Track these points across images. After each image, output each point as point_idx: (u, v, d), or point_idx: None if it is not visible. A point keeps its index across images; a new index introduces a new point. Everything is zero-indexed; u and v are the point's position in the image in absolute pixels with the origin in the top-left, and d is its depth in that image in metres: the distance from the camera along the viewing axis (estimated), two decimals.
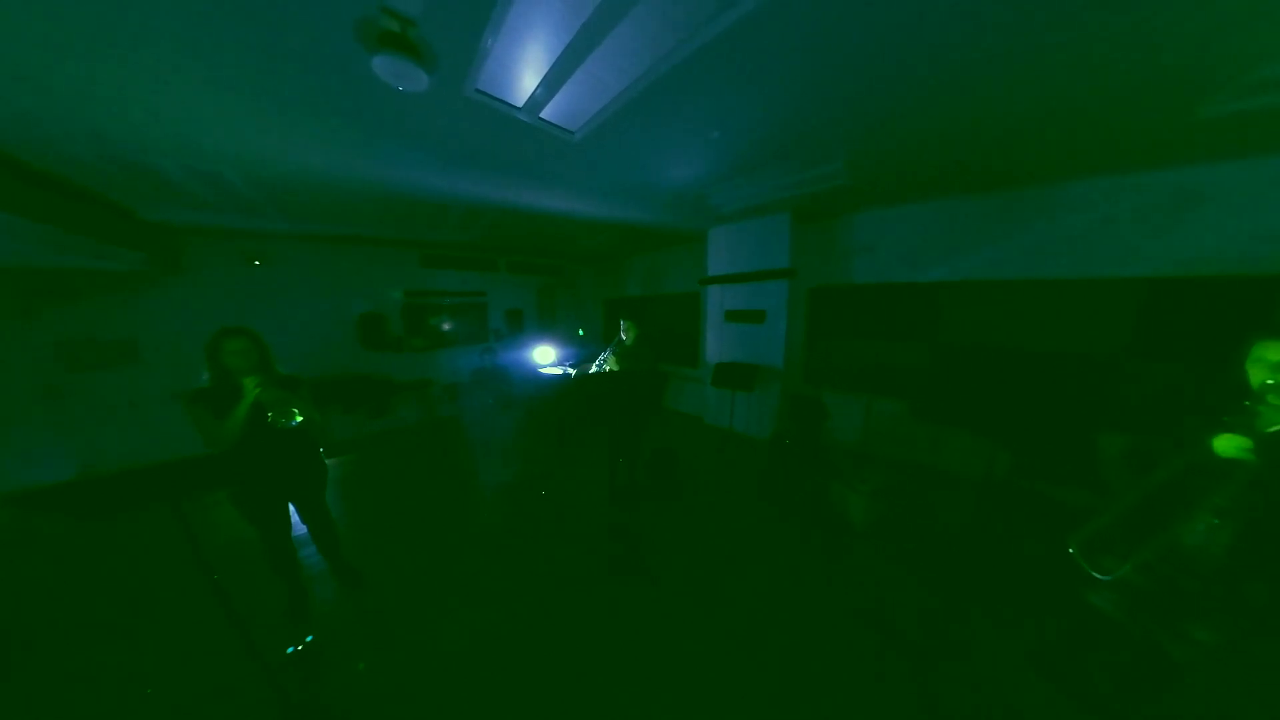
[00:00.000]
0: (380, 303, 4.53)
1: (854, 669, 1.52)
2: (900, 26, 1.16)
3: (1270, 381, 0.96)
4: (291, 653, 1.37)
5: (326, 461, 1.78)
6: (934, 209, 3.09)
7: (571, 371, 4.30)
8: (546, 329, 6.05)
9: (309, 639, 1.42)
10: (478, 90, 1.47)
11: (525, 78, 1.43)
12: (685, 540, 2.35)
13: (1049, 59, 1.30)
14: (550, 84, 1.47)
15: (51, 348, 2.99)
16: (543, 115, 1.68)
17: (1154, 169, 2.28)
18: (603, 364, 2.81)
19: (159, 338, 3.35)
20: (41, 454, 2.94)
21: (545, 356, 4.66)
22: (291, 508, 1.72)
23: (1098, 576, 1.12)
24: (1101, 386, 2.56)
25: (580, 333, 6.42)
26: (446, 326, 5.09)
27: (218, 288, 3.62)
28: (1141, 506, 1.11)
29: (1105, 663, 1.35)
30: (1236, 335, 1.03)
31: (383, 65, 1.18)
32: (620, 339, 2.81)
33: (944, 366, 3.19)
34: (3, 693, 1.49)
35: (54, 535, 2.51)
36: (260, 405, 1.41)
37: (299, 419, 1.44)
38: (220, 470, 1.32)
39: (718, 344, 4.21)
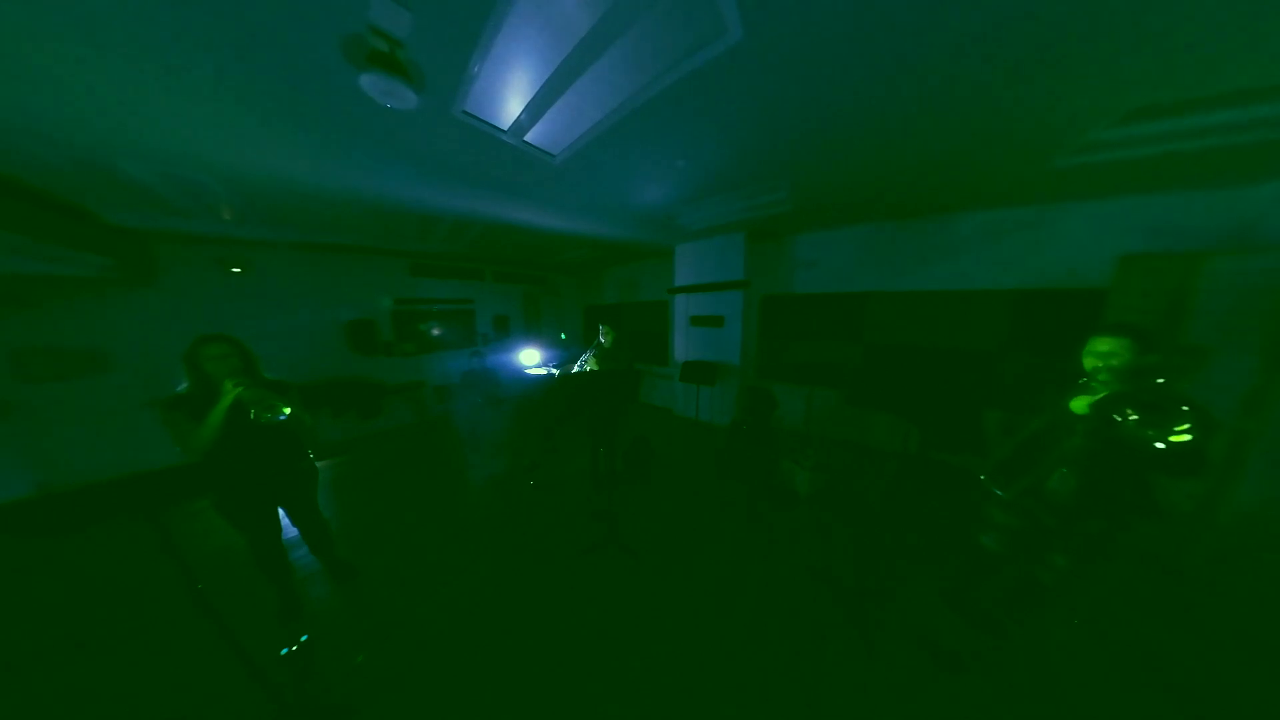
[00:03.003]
0: (370, 310, 4.17)
1: (802, 612, 1.60)
2: (833, 87, 1.24)
3: (1099, 365, 1.11)
4: (286, 653, 1.23)
5: (317, 464, 1.62)
6: (861, 232, 3.30)
7: (556, 371, 4.20)
8: (531, 333, 5.87)
9: (304, 638, 1.28)
10: (465, 112, 1.40)
11: (510, 103, 1.37)
12: (659, 517, 2.37)
13: (947, 123, 1.48)
14: (534, 110, 1.42)
15: (3, 357, 2.44)
16: (526, 138, 1.62)
17: (1023, 205, 2.58)
18: (585, 364, 2.76)
19: (133, 346, 2.85)
20: None
21: (531, 358, 4.52)
22: (281, 511, 1.54)
23: (999, 494, 1.26)
24: (985, 374, 2.85)
25: (563, 336, 6.28)
26: (436, 332, 4.79)
27: (196, 295, 3.14)
28: (1020, 451, 1.26)
29: (994, 591, 1.50)
30: (1078, 332, 1.18)
31: (370, 83, 1.09)
32: (600, 341, 2.77)
33: (870, 362, 3.42)
34: None
35: (9, 554, 2.10)
36: (241, 404, 1.24)
37: (286, 412, 1.27)
38: (201, 478, 1.15)
39: (684, 345, 4.26)
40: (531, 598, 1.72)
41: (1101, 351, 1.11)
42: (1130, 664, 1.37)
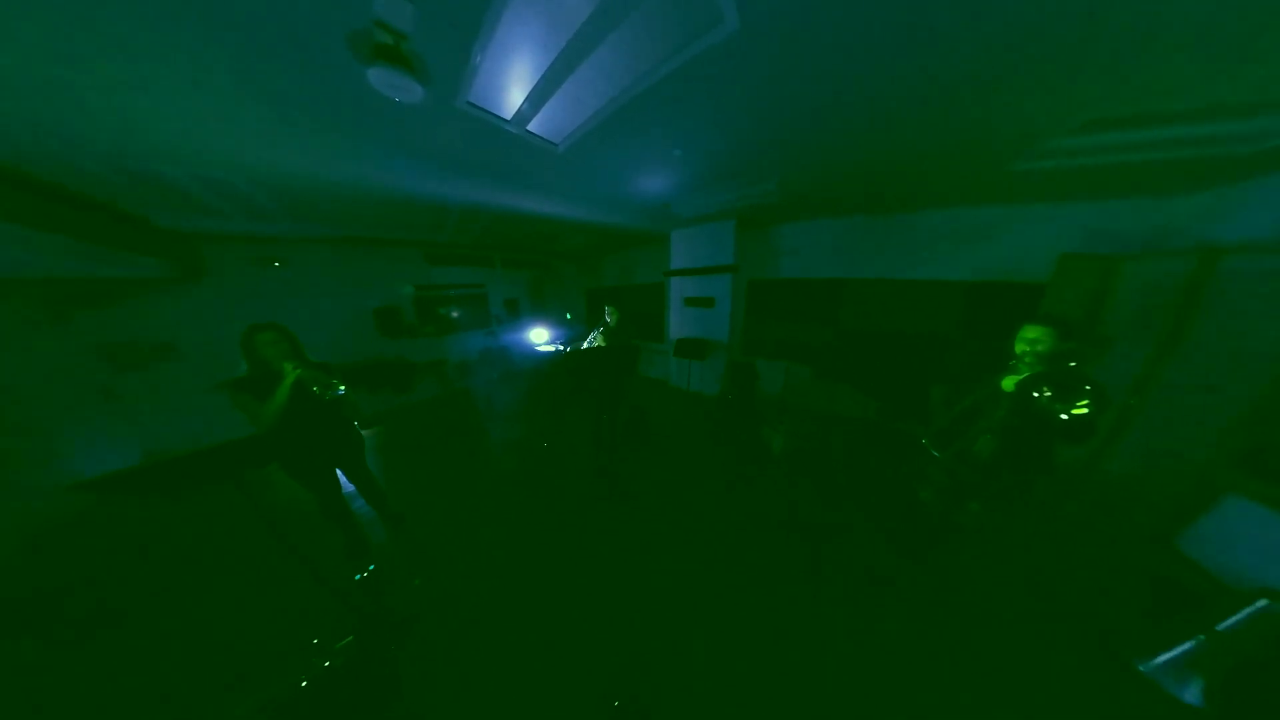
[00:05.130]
0: (394, 297, 4.10)
1: (771, 548, 1.74)
2: (823, 80, 1.17)
3: (1027, 349, 1.17)
4: (359, 579, 1.37)
5: (362, 432, 1.68)
6: (838, 224, 3.22)
7: (564, 348, 4.21)
8: (539, 314, 5.80)
9: (371, 568, 1.41)
10: (469, 103, 1.30)
11: (513, 93, 1.27)
12: (654, 474, 2.49)
13: (924, 121, 1.41)
14: (535, 99, 1.32)
15: (94, 350, 2.52)
16: (529, 128, 1.52)
17: (982, 205, 2.54)
18: (593, 341, 2.79)
19: (196, 337, 2.91)
20: (105, 445, 2.54)
21: (540, 337, 4.51)
22: (340, 472, 1.63)
23: (936, 455, 1.37)
24: (936, 355, 2.90)
25: (568, 316, 6.22)
26: (454, 315, 4.71)
27: (241, 288, 3.13)
28: (956, 421, 1.35)
29: (924, 531, 1.64)
30: (1018, 321, 1.22)
31: (378, 77, 1.00)
32: (606, 321, 2.78)
33: (839, 341, 3.45)
34: (108, 650, 1.38)
35: (129, 513, 2.24)
36: (302, 384, 1.29)
37: (342, 389, 1.33)
38: (270, 446, 1.22)
39: (678, 324, 4.25)
40: (548, 536, 1.85)
41: (1030, 338, 1.16)
42: (1019, 583, 1.54)
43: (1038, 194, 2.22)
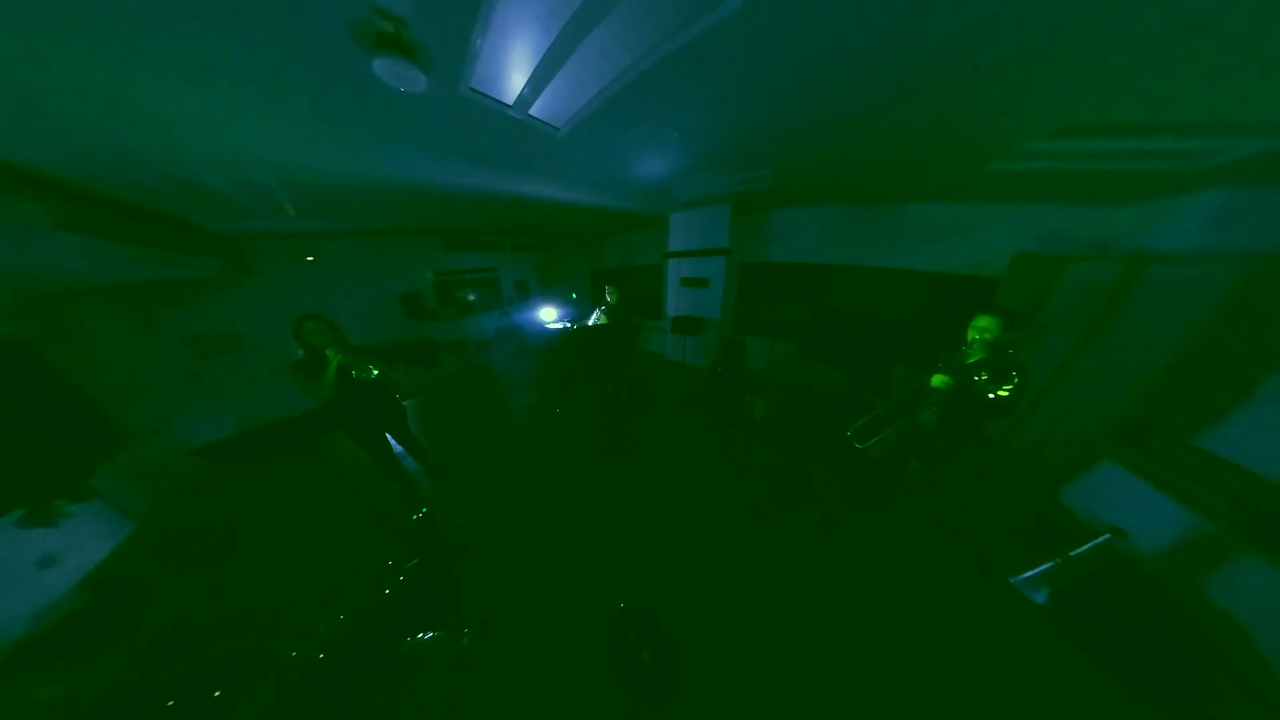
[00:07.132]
0: (416, 283, 4.08)
1: (748, 495, 1.93)
2: (820, 63, 1.08)
3: (975, 337, 1.23)
4: (416, 519, 1.60)
5: (403, 403, 1.82)
6: (824, 213, 3.09)
7: (571, 326, 4.25)
8: (547, 295, 5.70)
9: (424, 510, 1.64)
10: (472, 89, 1.21)
11: (514, 77, 1.17)
12: (651, 436, 2.65)
13: (914, 110, 1.32)
14: (536, 83, 1.22)
15: (182, 343, 2.70)
16: (531, 112, 1.42)
17: (954, 201, 2.45)
18: (596, 319, 2.83)
19: (255, 327, 3.04)
20: (204, 420, 2.79)
21: (549, 315, 4.51)
22: (389, 436, 1.79)
23: (858, 446, 1.51)
24: (901, 338, 2.93)
25: (574, 296, 6.13)
26: (470, 297, 4.68)
27: (283, 282, 3.16)
28: (910, 395, 1.44)
29: (874, 482, 1.81)
30: (971, 311, 1.27)
31: (383, 67, 0.94)
32: (607, 300, 2.80)
33: (819, 322, 3.46)
34: (233, 572, 1.64)
35: (231, 473, 2.52)
36: (344, 366, 1.39)
37: (375, 372, 1.43)
38: (331, 417, 1.36)
39: (675, 302, 4.22)
40: (563, 485, 2.05)
41: (980, 326, 1.22)
42: (940, 523, 1.75)
43: (1005, 194, 2.18)
